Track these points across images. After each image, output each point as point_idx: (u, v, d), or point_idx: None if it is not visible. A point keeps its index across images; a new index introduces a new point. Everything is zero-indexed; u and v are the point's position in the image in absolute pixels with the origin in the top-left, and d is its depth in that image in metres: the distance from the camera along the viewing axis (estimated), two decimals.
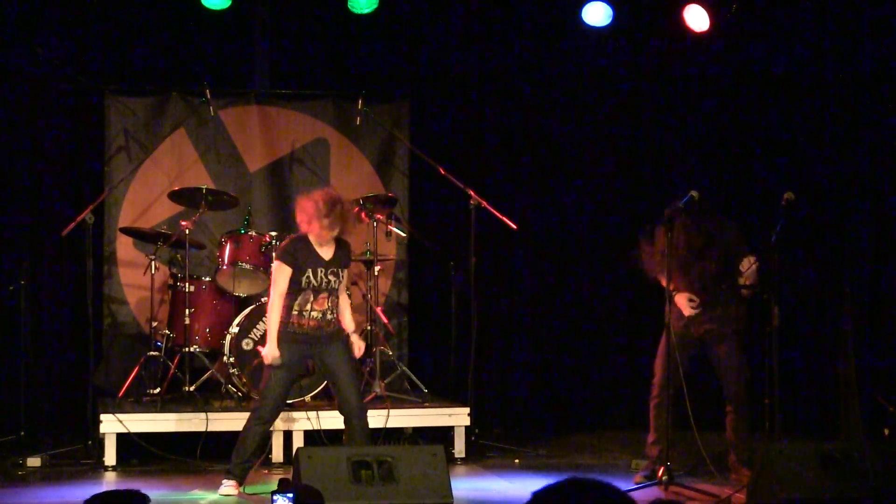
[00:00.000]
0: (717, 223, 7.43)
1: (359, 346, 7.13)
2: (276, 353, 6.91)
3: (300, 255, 6.95)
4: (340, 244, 7.09)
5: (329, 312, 6.98)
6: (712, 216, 7.43)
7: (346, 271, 7.13)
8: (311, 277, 6.94)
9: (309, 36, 9.61)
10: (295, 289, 6.95)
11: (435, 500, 6.11)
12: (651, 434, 7.41)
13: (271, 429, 7.93)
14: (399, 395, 8.64)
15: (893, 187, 9.10)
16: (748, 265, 7.24)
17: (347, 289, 7.51)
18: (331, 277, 6.98)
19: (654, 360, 7.45)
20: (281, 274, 6.97)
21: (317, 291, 6.95)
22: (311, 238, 6.98)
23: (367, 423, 7.07)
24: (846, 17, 9.18)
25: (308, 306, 6.94)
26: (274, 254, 7.81)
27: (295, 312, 6.94)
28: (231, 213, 9.19)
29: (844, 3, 9.16)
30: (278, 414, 7.21)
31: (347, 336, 7.12)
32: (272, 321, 6.97)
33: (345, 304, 7.17)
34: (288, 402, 8.05)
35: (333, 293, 7.02)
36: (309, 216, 6.94)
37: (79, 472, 7.80)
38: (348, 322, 7.14)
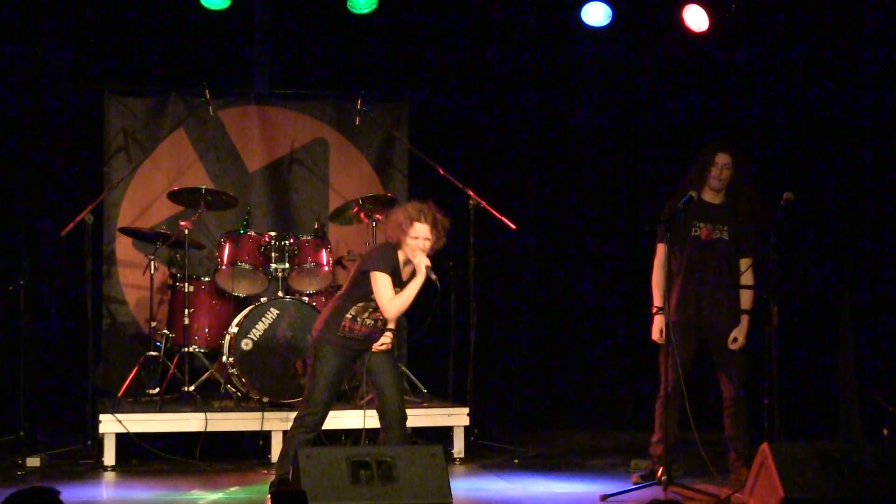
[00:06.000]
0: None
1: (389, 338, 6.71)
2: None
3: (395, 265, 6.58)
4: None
5: (383, 322, 6.64)
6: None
7: None
8: None
9: (309, 36, 9.60)
10: (360, 295, 6.58)
11: (434, 500, 6.09)
12: (656, 433, 7.40)
13: (270, 429, 7.95)
14: None
15: (894, 186, 9.09)
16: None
17: None
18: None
19: (654, 360, 7.45)
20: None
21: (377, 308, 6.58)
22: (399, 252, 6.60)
23: (406, 428, 6.71)
24: (846, 16, 9.17)
25: (365, 314, 6.59)
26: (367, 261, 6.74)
27: (349, 316, 6.57)
28: (230, 214, 9.19)
29: (844, 1, 9.16)
30: (324, 422, 6.69)
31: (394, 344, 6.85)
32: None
33: None
34: (288, 402, 8.06)
35: None
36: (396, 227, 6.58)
37: (78, 472, 7.79)
38: None
